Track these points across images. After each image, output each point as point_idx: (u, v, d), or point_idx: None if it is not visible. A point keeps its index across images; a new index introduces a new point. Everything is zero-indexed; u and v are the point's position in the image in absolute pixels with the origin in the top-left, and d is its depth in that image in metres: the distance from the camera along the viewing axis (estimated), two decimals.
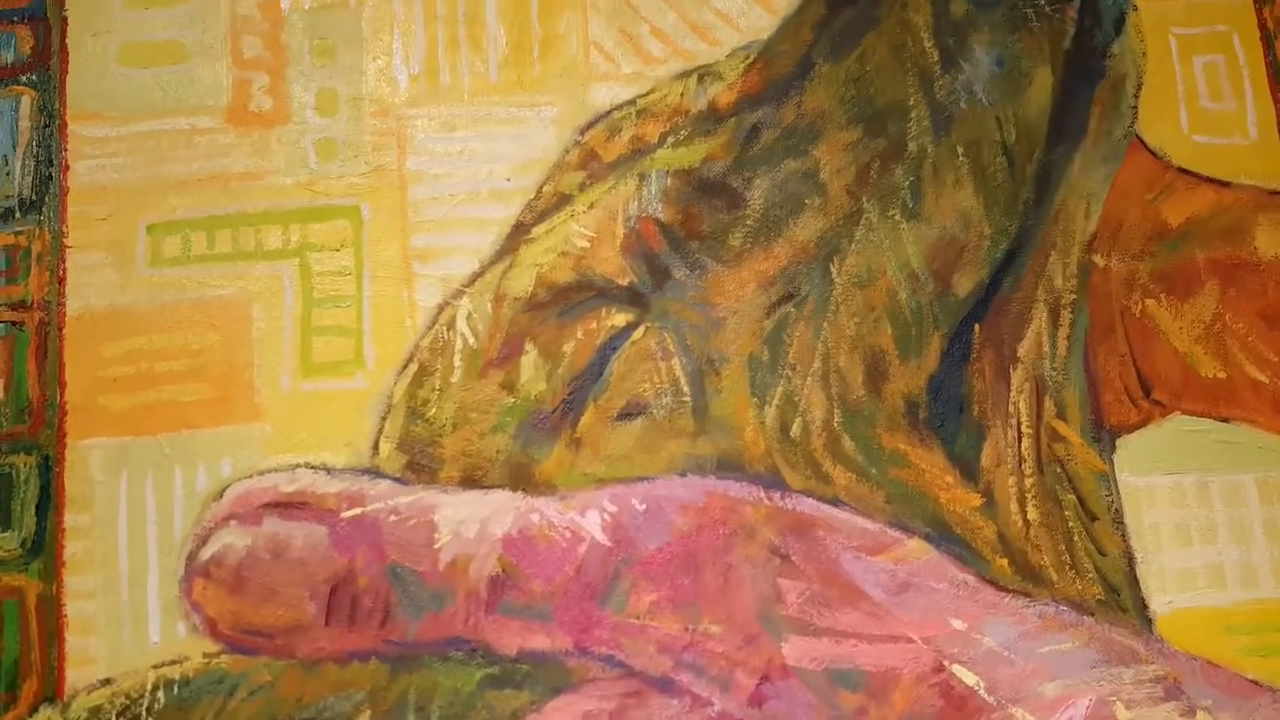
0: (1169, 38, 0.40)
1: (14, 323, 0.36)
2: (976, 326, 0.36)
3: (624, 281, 0.36)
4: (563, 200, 0.37)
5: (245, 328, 0.36)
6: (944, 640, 0.32)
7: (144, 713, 0.33)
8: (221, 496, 0.34)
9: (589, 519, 0.33)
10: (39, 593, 0.34)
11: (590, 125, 0.38)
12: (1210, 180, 0.38)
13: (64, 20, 0.38)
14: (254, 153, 0.37)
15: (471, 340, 0.36)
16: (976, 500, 0.35)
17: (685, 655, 0.32)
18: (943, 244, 0.36)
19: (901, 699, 0.32)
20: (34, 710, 0.33)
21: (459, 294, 0.36)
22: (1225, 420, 0.36)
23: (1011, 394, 0.36)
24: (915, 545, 0.34)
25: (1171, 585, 0.35)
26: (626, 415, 0.35)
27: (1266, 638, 0.35)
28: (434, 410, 0.35)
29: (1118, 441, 0.36)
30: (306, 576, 0.33)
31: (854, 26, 0.38)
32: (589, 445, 0.35)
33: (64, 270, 0.36)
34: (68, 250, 0.36)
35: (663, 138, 0.38)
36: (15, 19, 0.38)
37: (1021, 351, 0.36)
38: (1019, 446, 0.35)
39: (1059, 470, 0.35)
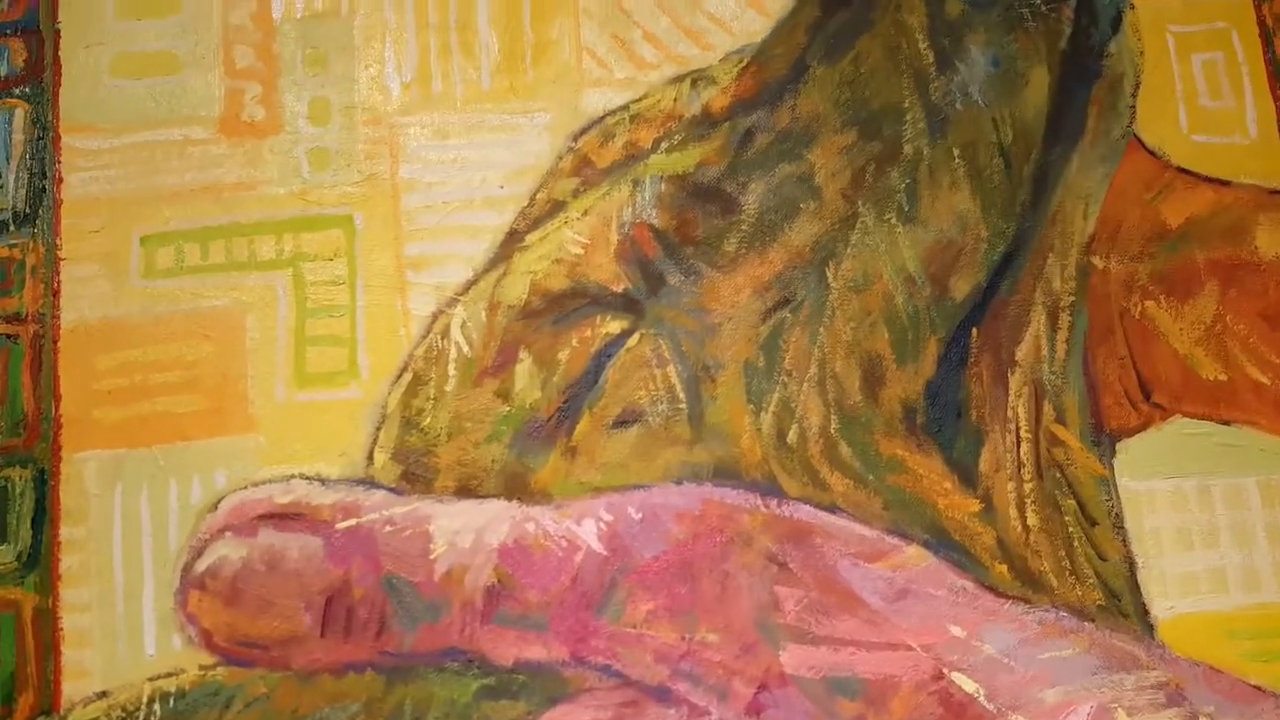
0: (1167, 36, 0.39)
1: (8, 335, 0.36)
2: (974, 330, 0.36)
3: (618, 288, 0.36)
4: (556, 207, 0.37)
5: (239, 338, 0.36)
6: (943, 647, 0.32)
7: None
8: (216, 508, 0.34)
9: (585, 528, 0.33)
10: (35, 606, 0.34)
11: (583, 131, 0.38)
12: (1210, 180, 0.38)
13: (56, 33, 0.38)
14: (247, 163, 0.37)
15: (466, 349, 0.36)
16: (975, 506, 0.35)
17: (682, 664, 0.32)
18: (939, 247, 0.36)
19: (900, 707, 0.32)
20: None
21: (453, 302, 0.36)
22: (1226, 423, 0.36)
23: (1010, 398, 0.36)
24: (913, 552, 0.34)
25: (1173, 590, 0.35)
26: (622, 423, 0.35)
27: (1269, 643, 0.34)
28: (429, 420, 0.35)
29: (1118, 445, 0.36)
30: (302, 588, 0.33)
31: (848, 29, 0.38)
32: (584, 453, 0.35)
33: (58, 283, 0.36)
34: (61, 263, 0.36)
35: (656, 143, 0.37)
36: (8, 32, 0.38)
37: (1020, 355, 0.36)
38: (1018, 451, 0.35)
39: (1058, 475, 0.35)
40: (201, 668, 0.33)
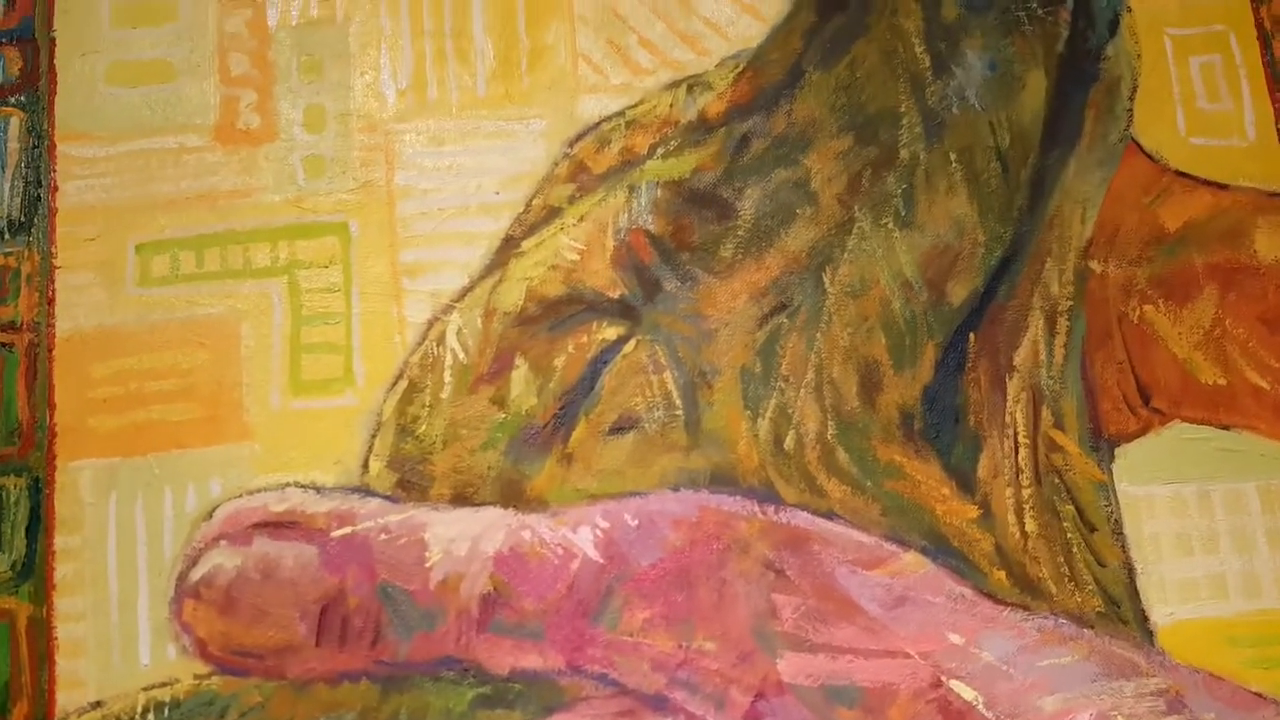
0: (1164, 38, 0.39)
1: (3, 344, 0.36)
2: (971, 335, 0.36)
3: (615, 294, 0.36)
4: (552, 213, 0.37)
5: (234, 346, 0.36)
6: (941, 655, 0.32)
7: None
8: (211, 516, 0.34)
9: (581, 535, 0.33)
10: (29, 615, 0.34)
11: (579, 137, 0.38)
12: (1208, 183, 0.38)
13: (52, 41, 0.38)
14: (242, 170, 0.37)
15: (461, 356, 0.35)
16: (973, 512, 0.34)
17: (679, 673, 0.32)
18: (936, 252, 0.36)
19: (899, 715, 0.32)
20: None
21: (448, 309, 0.36)
22: (1226, 427, 0.36)
23: (1008, 403, 0.35)
24: (911, 559, 0.34)
25: (1173, 596, 0.34)
26: (618, 430, 0.35)
27: (1270, 649, 0.34)
28: (424, 427, 0.35)
29: (1116, 450, 0.36)
30: (297, 597, 0.32)
31: (844, 33, 0.38)
32: (581, 460, 0.35)
33: (53, 291, 0.36)
34: (57, 271, 0.36)
35: (652, 149, 0.37)
36: (3, 40, 0.38)
37: (1018, 360, 0.36)
38: (1016, 457, 0.35)
39: (1057, 481, 0.35)
40: (196, 677, 0.33)
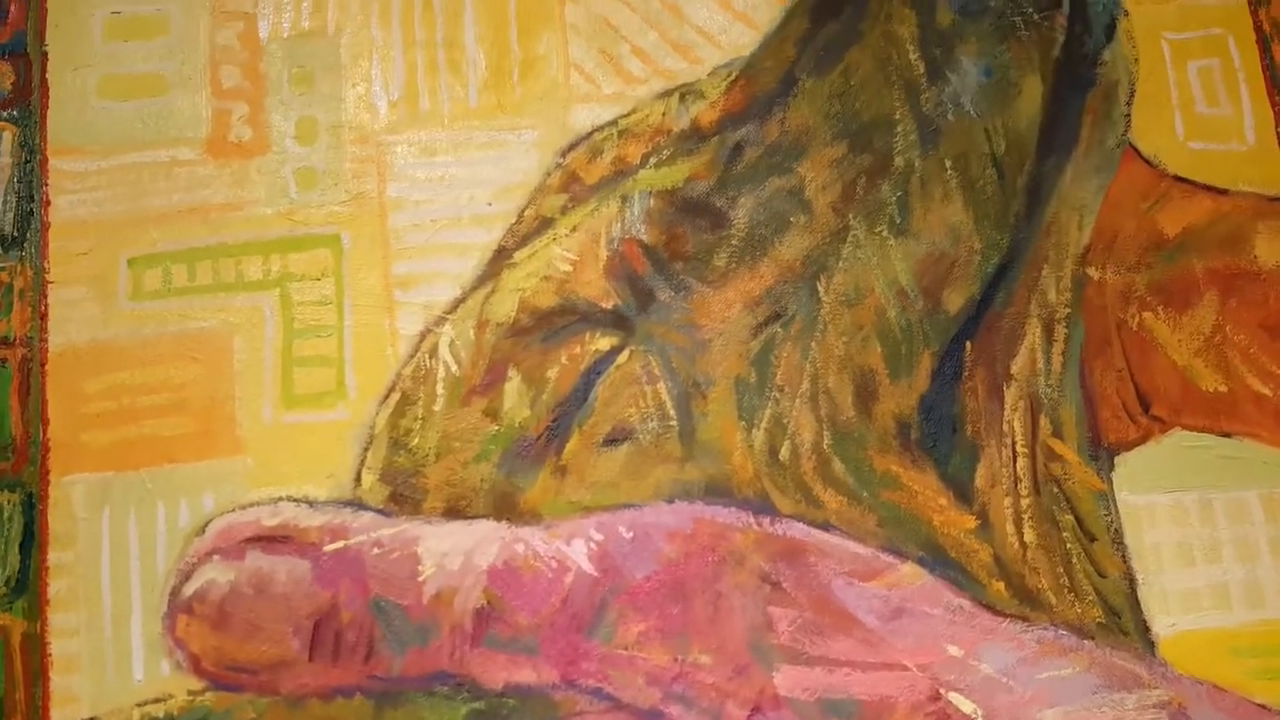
0: (1161, 43, 0.39)
1: None
2: (968, 344, 0.36)
3: (608, 305, 0.36)
4: (545, 224, 0.37)
5: (226, 360, 0.36)
6: (940, 667, 0.32)
7: None
8: (204, 531, 0.34)
9: (575, 548, 0.33)
10: (23, 631, 0.34)
11: (571, 147, 0.38)
12: (1207, 188, 0.37)
13: (44, 55, 0.38)
14: (234, 183, 0.37)
15: (454, 368, 0.35)
16: (971, 522, 0.34)
17: (675, 686, 0.32)
18: (932, 260, 0.36)
19: None
20: None
21: (441, 321, 0.36)
22: (1227, 435, 0.35)
23: (1005, 412, 0.35)
24: (909, 570, 0.33)
25: (1175, 607, 0.34)
26: (612, 441, 0.35)
27: (1275, 660, 0.34)
28: (417, 440, 0.35)
29: (1116, 459, 0.35)
30: (290, 612, 0.32)
31: (837, 41, 0.38)
32: (574, 472, 0.34)
33: (45, 306, 0.36)
34: (49, 286, 0.36)
35: (645, 158, 0.37)
36: None
37: (1015, 368, 0.35)
38: (1014, 466, 0.35)
39: (1056, 490, 0.35)
40: (190, 693, 0.33)
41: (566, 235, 0.36)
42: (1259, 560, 0.35)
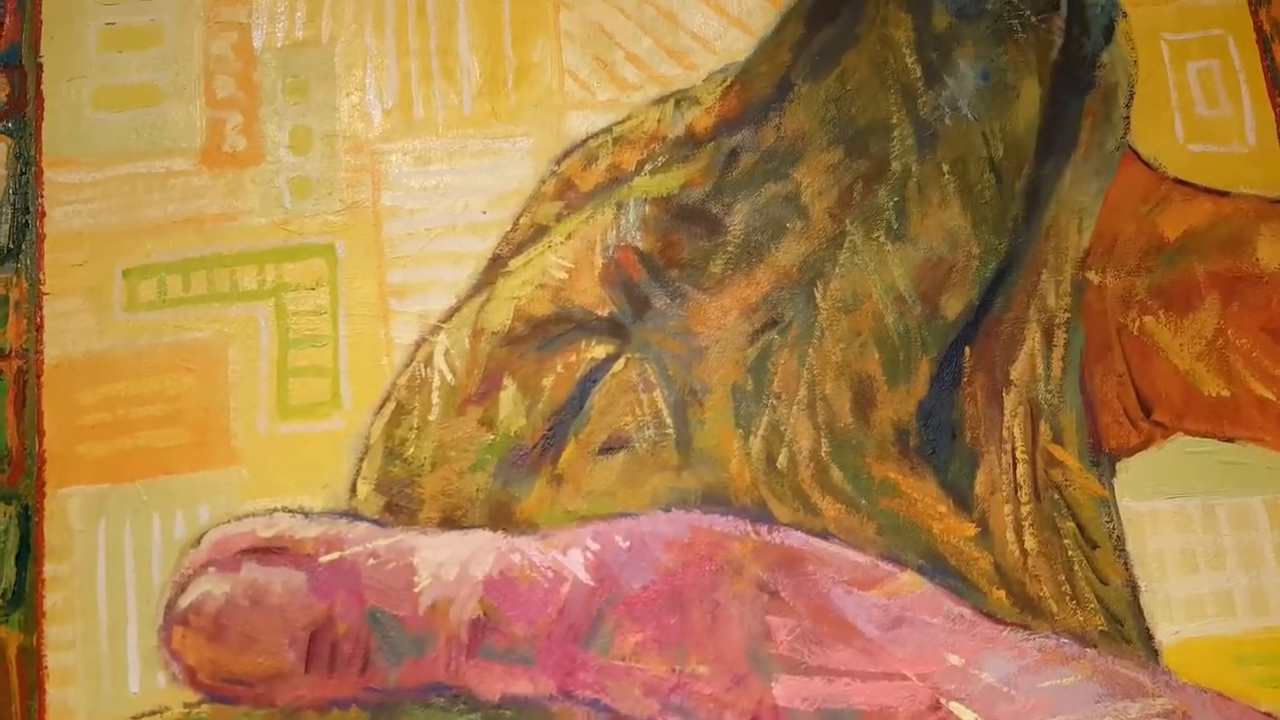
0: (1161, 44, 0.39)
1: None
2: (967, 349, 0.35)
3: (603, 312, 0.36)
4: (540, 232, 0.37)
5: (221, 371, 0.36)
6: (940, 677, 0.31)
7: None
8: (199, 543, 0.34)
9: (571, 558, 0.33)
10: (19, 644, 0.34)
11: (566, 155, 0.38)
12: (1208, 190, 0.37)
13: (39, 67, 0.38)
14: (228, 193, 0.37)
15: (449, 377, 0.35)
16: (971, 530, 0.34)
17: (672, 697, 0.32)
18: (930, 265, 0.36)
19: None
20: None
21: (436, 330, 0.36)
22: (1230, 440, 0.35)
23: (1005, 418, 0.35)
24: (908, 578, 0.33)
25: (1178, 614, 0.34)
26: (608, 449, 0.34)
27: (1279, 668, 0.33)
28: (412, 450, 0.35)
29: (1118, 465, 0.35)
30: (285, 623, 0.32)
31: (833, 45, 0.38)
32: (571, 481, 0.34)
33: (41, 318, 0.36)
34: (45, 297, 0.36)
35: (640, 165, 0.37)
36: None
37: (1014, 374, 0.35)
38: (1014, 473, 0.34)
39: (1057, 497, 0.34)
40: (186, 705, 0.33)
41: (562, 243, 0.36)
42: (1264, 566, 0.34)
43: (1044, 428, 0.35)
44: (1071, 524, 0.34)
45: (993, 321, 0.36)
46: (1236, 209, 0.37)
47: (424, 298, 0.36)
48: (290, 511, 0.34)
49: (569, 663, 0.32)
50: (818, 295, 0.35)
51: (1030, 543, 0.34)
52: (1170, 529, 0.34)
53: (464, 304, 0.36)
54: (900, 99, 0.37)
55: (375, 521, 0.34)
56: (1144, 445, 0.35)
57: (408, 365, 0.36)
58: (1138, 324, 0.36)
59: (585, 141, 0.38)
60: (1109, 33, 0.38)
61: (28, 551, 0.34)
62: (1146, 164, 0.37)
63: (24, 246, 0.37)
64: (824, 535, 0.34)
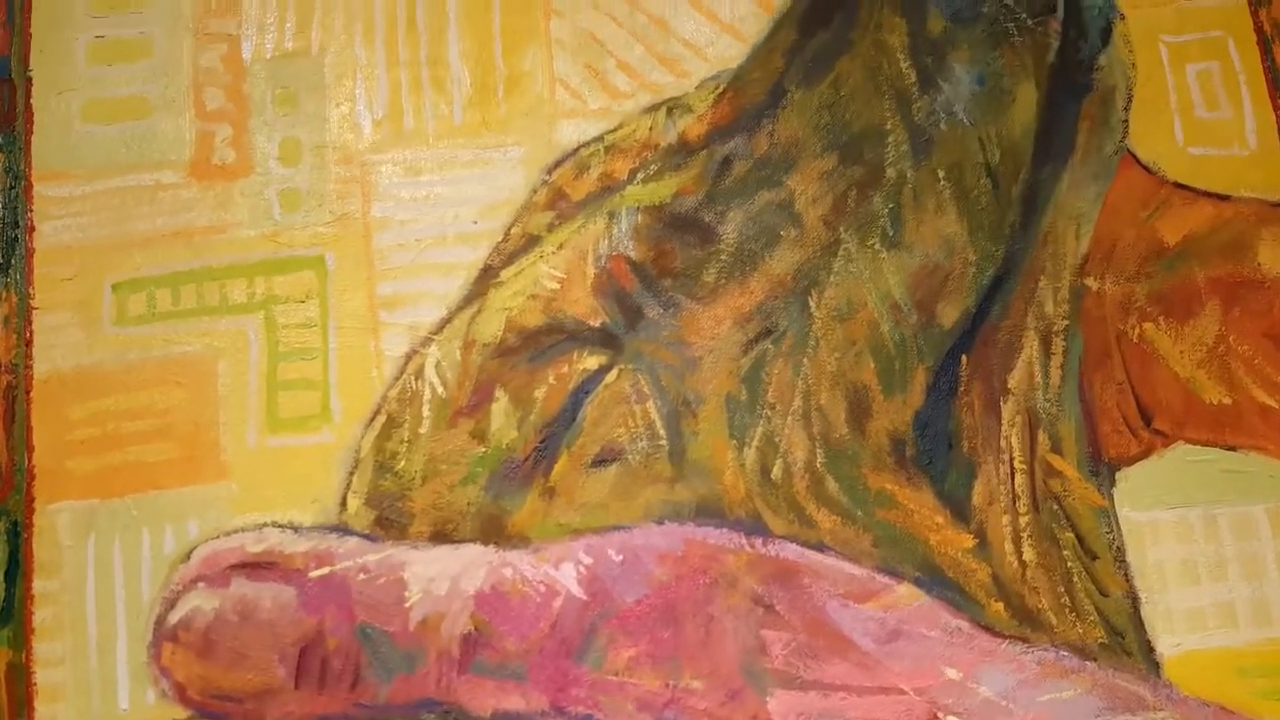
0: (1159, 46, 0.38)
1: None
2: (964, 358, 0.35)
3: (596, 323, 0.35)
4: (531, 242, 0.36)
5: (211, 384, 0.35)
6: (938, 691, 0.31)
7: None
8: (189, 558, 0.34)
9: (564, 572, 0.33)
10: (9, 661, 0.33)
11: (558, 164, 0.37)
12: (1208, 194, 0.37)
13: (29, 80, 0.38)
14: (217, 206, 0.37)
15: (440, 389, 0.35)
16: (969, 541, 0.33)
17: (666, 713, 0.31)
18: (925, 273, 0.35)
19: None
20: None
21: (427, 342, 0.36)
22: (1232, 448, 0.35)
23: (1003, 428, 0.34)
24: (905, 591, 0.33)
25: (1179, 626, 0.33)
26: (601, 462, 0.34)
27: None
28: (403, 463, 0.34)
29: (1118, 474, 0.34)
30: (275, 639, 0.32)
31: (827, 51, 0.37)
32: (563, 494, 0.34)
33: (30, 332, 0.36)
34: (34, 312, 0.36)
35: (632, 174, 0.37)
36: None
37: (1012, 383, 0.35)
38: (1012, 483, 0.34)
39: (1055, 507, 0.34)
40: None
41: (553, 253, 0.36)
42: (1266, 577, 0.34)
43: (1042, 437, 0.34)
44: (1071, 535, 0.34)
45: (990, 329, 0.35)
46: (1237, 213, 0.36)
47: (415, 309, 0.36)
48: (280, 526, 0.34)
49: (561, 678, 0.32)
50: (812, 304, 0.35)
51: (1029, 554, 0.33)
52: (1171, 539, 0.34)
53: (455, 315, 0.36)
54: (895, 104, 0.36)
55: (365, 536, 0.34)
56: (1144, 454, 0.35)
57: (398, 378, 0.35)
58: (1137, 331, 0.35)
59: (577, 150, 0.37)
60: (1106, 35, 0.37)
61: (17, 567, 0.34)
62: (1145, 168, 0.37)
63: (13, 261, 0.36)
64: (819, 547, 0.33)
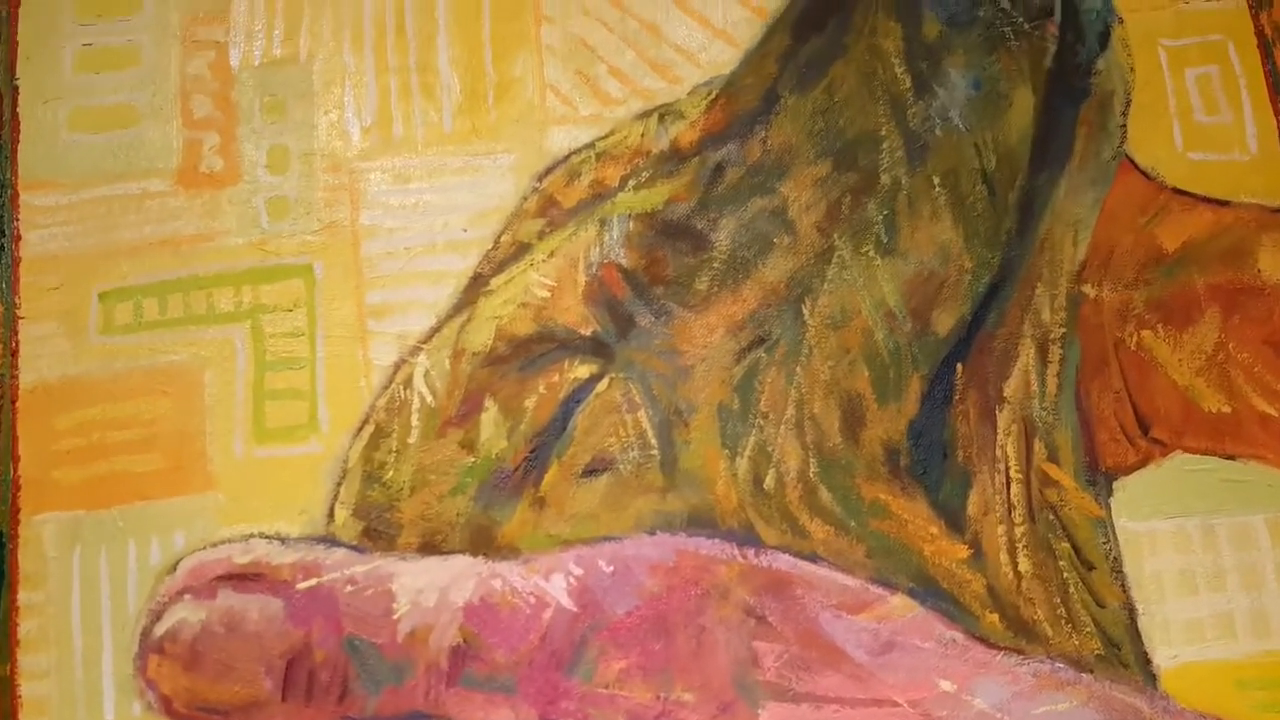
0: (1158, 50, 0.38)
1: None
2: (959, 366, 0.35)
3: (587, 331, 0.35)
4: (521, 249, 0.36)
5: (197, 394, 0.35)
6: (932, 703, 0.31)
7: None
8: (175, 570, 0.33)
9: (554, 583, 0.32)
10: None
11: (548, 171, 0.37)
12: (1208, 200, 0.36)
13: (15, 89, 0.38)
14: (205, 214, 0.37)
15: (429, 398, 0.35)
16: (963, 552, 0.33)
17: None
18: (920, 280, 0.35)
19: None
20: None
21: (416, 351, 0.35)
22: (1231, 457, 0.34)
23: (998, 437, 0.34)
24: (899, 602, 0.32)
25: (1177, 637, 0.33)
26: (592, 472, 0.34)
27: None
28: (391, 473, 0.34)
29: (1115, 484, 0.34)
30: (262, 651, 0.32)
31: (821, 56, 0.37)
32: (553, 504, 0.34)
33: (16, 342, 0.36)
34: (20, 321, 0.36)
35: (624, 181, 0.36)
36: None
37: (1008, 391, 0.34)
38: (1008, 493, 0.34)
39: (1052, 517, 0.33)
40: None
41: (544, 261, 0.36)
42: (1265, 588, 0.33)
43: (1038, 446, 0.34)
44: (1067, 545, 0.33)
45: (985, 337, 0.35)
46: (1237, 219, 0.36)
47: (403, 318, 0.36)
48: (267, 537, 0.34)
49: (551, 691, 0.31)
50: (806, 312, 0.35)
51: (1024, 565, 0.33)
52: (1169, 549, 0.34)
53: (444, 324, 0.36)
54: (889, 110, 0.36)
55: (353, 547, 0.34)
56: (1142, 463, 0.34)
57: (387, 387, 0.35)
58: (1135, 338, 0.35)
59: (568, 157, 0.37)
60: (1104, 39, 0.37)
61: (2, 579, 0.34)
62: (1144, 173, 0.37)
63: (0, 271, 0.36)
64: (812, 558, 0.33)
